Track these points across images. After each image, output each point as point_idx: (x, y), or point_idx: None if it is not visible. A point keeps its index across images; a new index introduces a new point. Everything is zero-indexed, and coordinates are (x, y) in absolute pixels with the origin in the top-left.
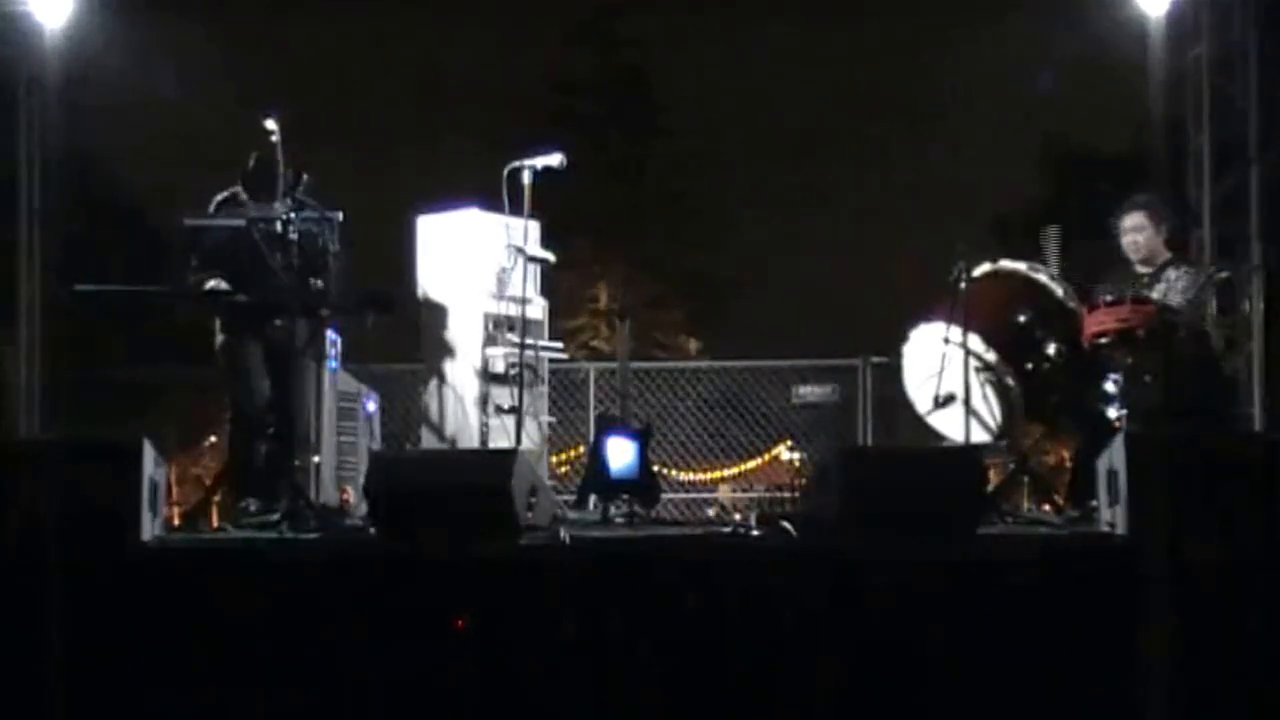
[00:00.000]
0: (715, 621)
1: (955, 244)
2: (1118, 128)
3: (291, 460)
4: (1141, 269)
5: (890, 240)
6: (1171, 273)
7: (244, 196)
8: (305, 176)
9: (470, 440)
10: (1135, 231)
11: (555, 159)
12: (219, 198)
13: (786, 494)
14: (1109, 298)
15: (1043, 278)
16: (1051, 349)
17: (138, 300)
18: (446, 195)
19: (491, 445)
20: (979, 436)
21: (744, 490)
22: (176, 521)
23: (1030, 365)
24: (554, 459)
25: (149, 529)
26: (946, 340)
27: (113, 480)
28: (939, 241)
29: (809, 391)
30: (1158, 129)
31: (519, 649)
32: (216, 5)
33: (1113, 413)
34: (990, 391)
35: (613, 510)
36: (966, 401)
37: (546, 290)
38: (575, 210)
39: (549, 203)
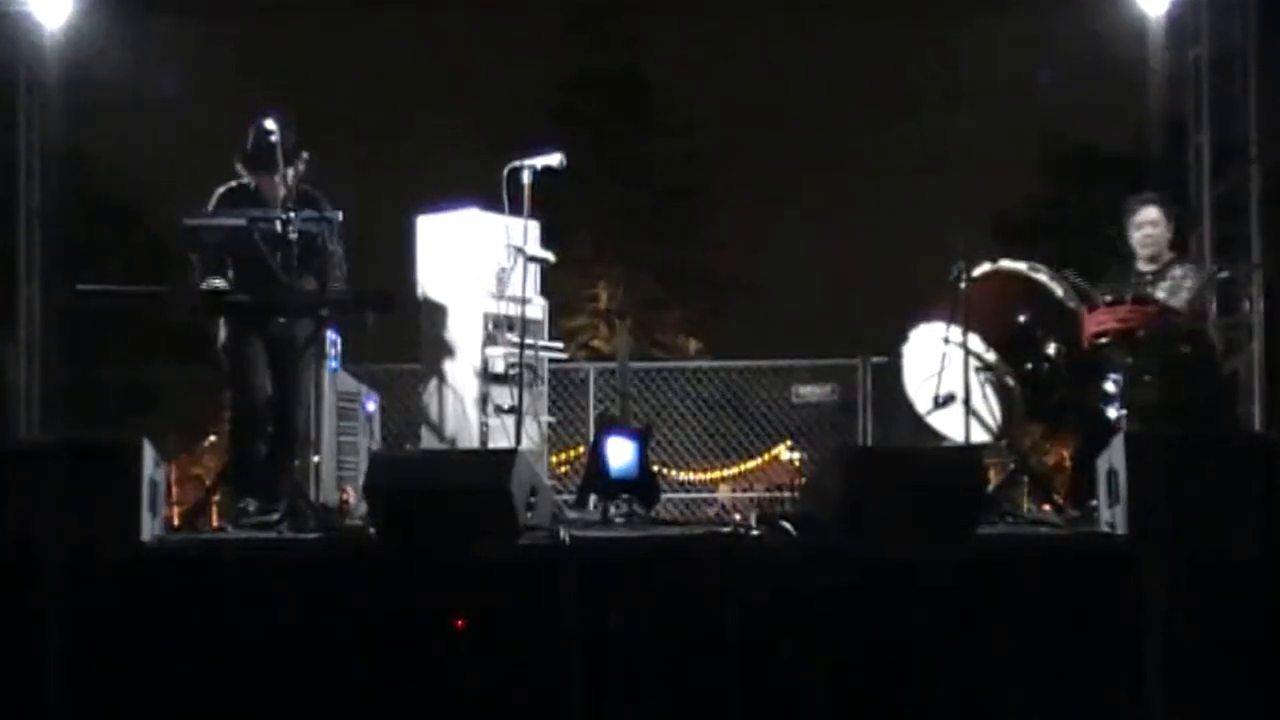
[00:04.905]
0: (715, 621)
1: (955, 243)
2: (1118, 127)
3: (291, 460)
4: (1146, 266)
5: (890, 240)
6: (1178, 271)
7: (246, 179)
8: (305, 155)
9: (470, 440)
10: (1150, 225)
11: (555, 159)
12: (220, 190)
13: (786, 494)
14: (1109, 297)
15: (1043, 278)
16: (1051, 349)
17: (138, 300)
18: (446, 195)
19: (491, 445)
20: (979, 436)
21: (744, 490)
22: (176, 521)
23: (1030, 365)
24: (554, 459)
25: (149, 529)
26: (946, 340)
27: (113, 480)
28: (939, 241)
29: (809, 391)
30: (1158, 129)
31: (519, 649)
32: (216, 5)
33: (1113, 413)
34: (990, 391)
35: (613, 510)
36: (966, 401)
37: (546, 290)
38: (575, 210)
39: (549, 203)
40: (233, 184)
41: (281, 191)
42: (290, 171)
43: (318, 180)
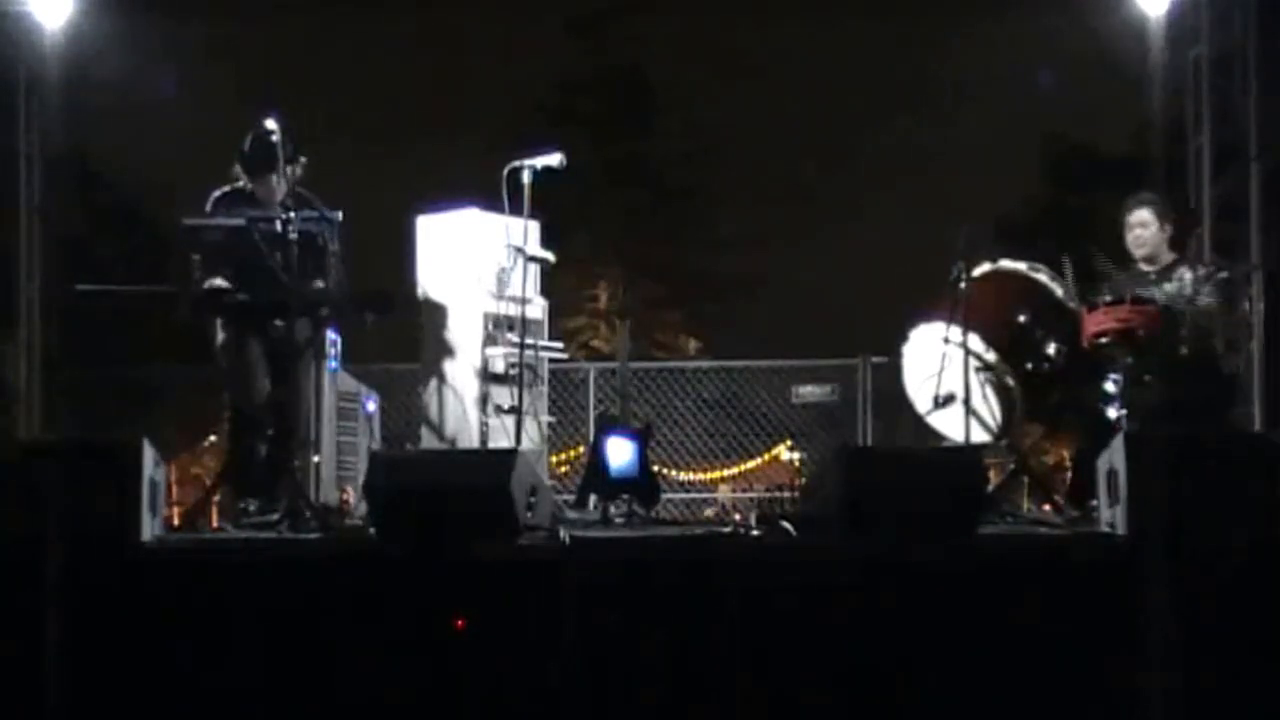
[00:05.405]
0: (715, 621)
1: (958, 234)
2: (1118, 128)
3: (291, 460)
4: (1145, 266)
5: (890, 240)
6: (1187, 274)
7: (242, 182)
8: (303, 159)
9: (470, 440)
10: (1140, 227)
11: (555, 159)
12: (216, 194)
13: (786, 494)
14: (1109, 297)
15: (1043, 278)
16: (1051, 349)
17: (138, 300)
18: (446, 195)
19: (491, 445)
20: (979, 436)
21: (744, 490)
22: (176, 521)
23: (1030, 365)
24: (554, 459)
25: (149, 529)
26: (946, 340)
27: (113, 480)
28: (939, 241)
29: (809, 391)
30: (1158, 129)
31: (519, 649)
32: (216, 5)
33: (1113, 413)
34: (990, 391)
35: (613, 510)
36: (966, 401)
37: (546, 290)
38: (575, 210)
39: (549, 203)
40: (228, 187)
41: (279, 194)
42: (289, 173)
43: (315, 184)
